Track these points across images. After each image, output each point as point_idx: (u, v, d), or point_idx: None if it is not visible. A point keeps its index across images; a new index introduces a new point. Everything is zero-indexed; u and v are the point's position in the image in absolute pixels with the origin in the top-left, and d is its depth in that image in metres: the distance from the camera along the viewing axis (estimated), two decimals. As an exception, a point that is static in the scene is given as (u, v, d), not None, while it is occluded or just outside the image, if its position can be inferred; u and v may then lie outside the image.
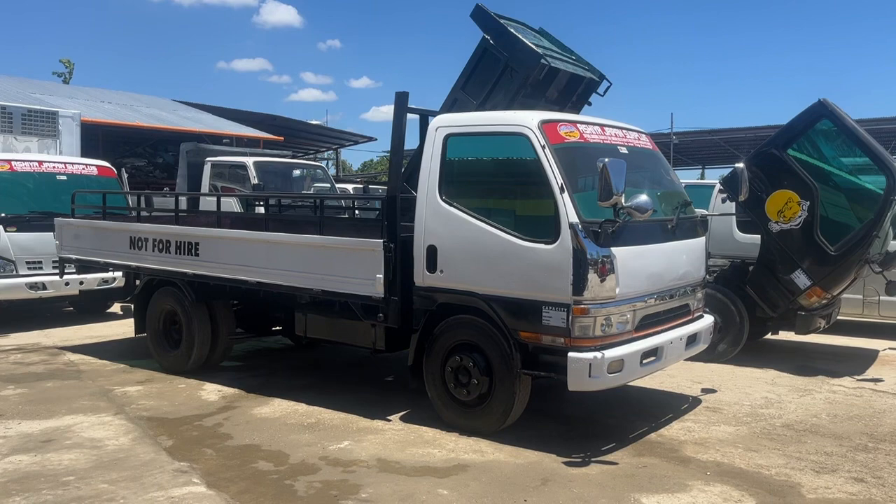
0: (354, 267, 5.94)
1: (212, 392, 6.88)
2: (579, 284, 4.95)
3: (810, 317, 7.70)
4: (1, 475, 4.77)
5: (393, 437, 5.59)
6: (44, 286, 9.88)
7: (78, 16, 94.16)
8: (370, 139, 33.93)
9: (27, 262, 9.90)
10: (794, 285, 7.59)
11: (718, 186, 9.48)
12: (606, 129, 5.83)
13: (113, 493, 4.48)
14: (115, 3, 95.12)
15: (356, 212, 9.71)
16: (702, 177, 36.79)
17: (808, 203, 7.43)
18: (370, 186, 17.94)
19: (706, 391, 6.96)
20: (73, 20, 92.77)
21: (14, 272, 9.81)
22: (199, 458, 5.13)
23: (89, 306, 11.27)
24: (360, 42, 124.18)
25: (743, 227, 9.10)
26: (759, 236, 8.07)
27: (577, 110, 7.59)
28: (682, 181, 7.19)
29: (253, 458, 5.15)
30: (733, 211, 9.03)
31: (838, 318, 8.57)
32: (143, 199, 10.25)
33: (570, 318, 4.98)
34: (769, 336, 8.73)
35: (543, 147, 5.16)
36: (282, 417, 6.07)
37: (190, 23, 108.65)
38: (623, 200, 4.87)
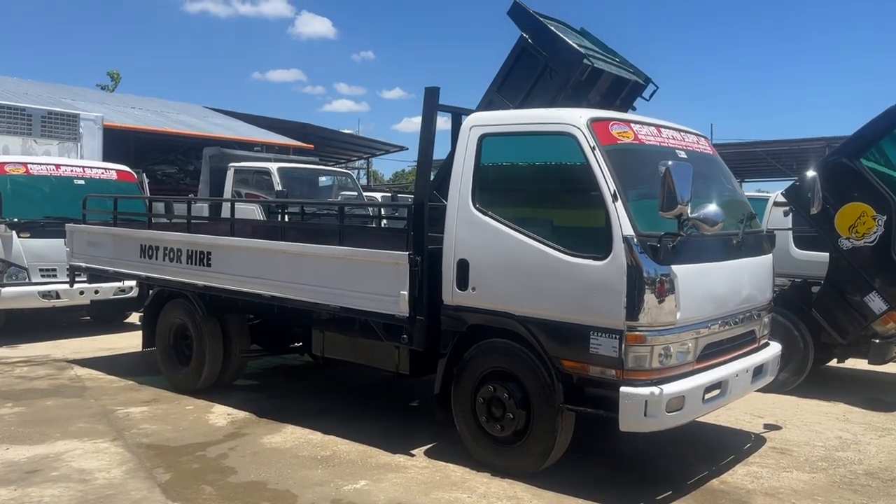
0: (376, 281, 5.33)
1: (221, 415, 6.30)
2: (634, 307, 4.26)
3: (886, 345, 6.89)
4: (-28, 513, 4.23)
5: (416, 476, 4.93)
6: (57, 295, 9.44)
7: (121, 29, 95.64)
8: (401, 148, 33.51)
9: (41, 270, 9.48)
10: (867, 309, 6.78)
11: (775, 199, 8.73)
12: (663, 130, 5.15)
13: (91, 540, 3.90)
14: (154, 15, 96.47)
15: (384, 222, 9.15)
16: (741, 190, 35.61)
17: (885, 217, 6.64)
18: (399, 195, 17.37)
19: (770, 427, 6.19)
20: (117, 33, 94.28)
21: (27, 280, 9.41)
22: (196, 498, 4.53)
23: (106, 316, 10.85)
24: (393, 54, 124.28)
25: (800, 243, 8.33)
26: (819, 253, 7.30)
27: (621, 115, 6.92)
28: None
29: (257, 498, 4.54)
30: (790, 225, 8.28)
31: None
32: (159, 204, 9.77)
33: (623, 346, 4.29)
34: (832, 363, 7.92)
35: (593, 148, 4.49)
36: (293, 448, 5.46)
37: (226, 34, 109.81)
38: (689, 211, 4.18)
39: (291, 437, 5.73)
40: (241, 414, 6.33)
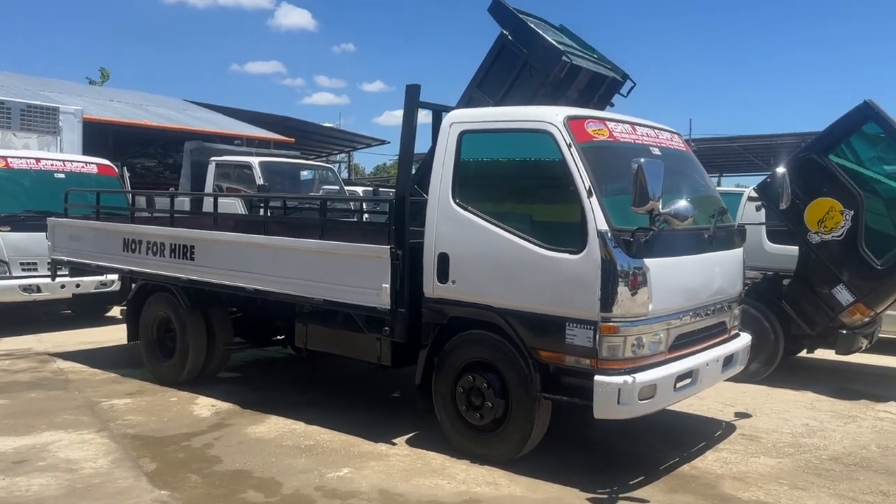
0: (358, 275, 5.45)
1: (205, 407, 6.39)
2: (608, 299, 4.42)
3: (853, 335, 7.12)
4: (-39, 502, 4.30)
5: (397, 463, 5.07)
6: (38, 289, 9.45)
7: (96, 20, 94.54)
8: (383, 142, 33.53)
9: (21, 264, 9.48)
10: (835, 301, 7.02)
11: (748, 194, 8.96)
12: (638, 127, 5.30)
13: (81, 527, 4.00)
14: (131, 6, 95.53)
15: (365, 216, 9.25)
16: (717, 185, 36.00)
17: (852, 212, 6.87)
18: (380, 189, 17.45)
19: (740, 415, 6.39)
20: (92, 24, 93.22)
21: (7, 273, 9.40)
22: (183, 486, 4.63)
23: (88, 310, 10.84)
24: (374, 46, 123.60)
25: (773, 237, 8.56)
26: (791, 247, 7.53)
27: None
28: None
29: (242, 486, 4.65)
30: (763, 220, 8.51)
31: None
32: (141, 198, 9.81)
33: (598, 336, 4.45)
34: (803, 354, 8.16)
35: (569, 145, 4.64)
36: (277, 438, 5.57)
37: (204, 25, 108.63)
38: (660, 206, 4.34)
39: (275, 427, 5.84)
40: (224, 405, 6.42)
